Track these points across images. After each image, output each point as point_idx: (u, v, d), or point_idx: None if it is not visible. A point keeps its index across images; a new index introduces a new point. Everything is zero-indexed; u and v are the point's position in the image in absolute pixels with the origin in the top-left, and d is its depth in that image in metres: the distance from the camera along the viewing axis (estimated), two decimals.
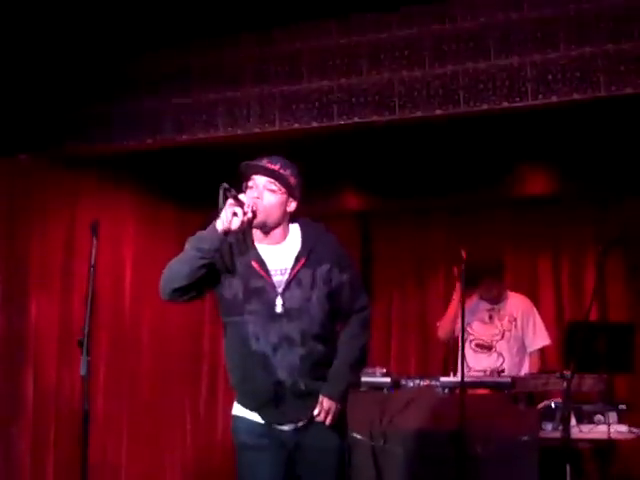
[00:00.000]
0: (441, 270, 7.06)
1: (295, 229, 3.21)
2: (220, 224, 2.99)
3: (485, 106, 4.43)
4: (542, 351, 5.49)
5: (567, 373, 4.27)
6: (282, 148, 5.67)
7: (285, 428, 3.14)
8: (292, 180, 3.15)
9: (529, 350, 5.44)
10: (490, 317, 5.48)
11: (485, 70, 4.44)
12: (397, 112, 4.59)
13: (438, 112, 4.52)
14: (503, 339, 5.42)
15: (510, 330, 5.40)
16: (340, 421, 3.18)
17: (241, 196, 3.01)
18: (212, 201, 7.46)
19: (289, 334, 3.07)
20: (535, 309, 5.55)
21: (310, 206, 6.83)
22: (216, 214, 3.01)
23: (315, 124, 4.76)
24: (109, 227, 5.86)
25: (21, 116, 5.31)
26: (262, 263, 3.11)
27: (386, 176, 6.51)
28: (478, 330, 5.46)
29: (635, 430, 4.61)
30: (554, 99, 4.30)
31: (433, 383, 4.84)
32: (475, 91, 4.43)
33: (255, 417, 3.17)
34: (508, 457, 4.40)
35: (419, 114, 4.56)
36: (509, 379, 4.75)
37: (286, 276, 3.10)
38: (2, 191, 5.43)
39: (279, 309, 3.08)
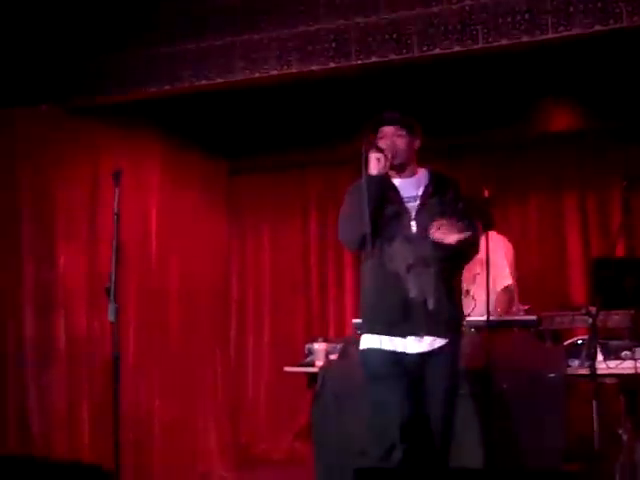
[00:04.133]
0: None
1: (423, 169, 3.70)
2: (371, 170, 3.44)
3: (504, 41, 4.35)
4: (509, 289, 5.39)
5: (593, 310, 4.24)
6: (301, 90, 5.70)
7: (412, 351, 3.43)
8: (412, 123, 3.66)
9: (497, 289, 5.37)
10: None
11: (503, 3, 4.34)
12: (415, 50, 4.52)
13: (457, 49, 4.46)
14: (475, 283, 5.35)
15: (480, 273, 5.29)
16: (458, 351, 3.54)
17: (380, 144, 3.51)
18: (236, 147, 7.49)
19: (423, 254, 3.43)
20: (503, 249, 5.41)
21: (332, 150, 6.88)
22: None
23: (332, 64, 4.73)
24: (134, 175, 5.87)
25: (42, 66, 5.29)
26: (397, 192, 3.57)
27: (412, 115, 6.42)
28: None
29: None
30: (575, 31, 4.21)
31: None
32: (494, 26, 4.34)
33: (384, 345, 3.45)
34: (535, 394, 4.39)
35: (437, 51, 4.50)
36: (535, 317, 4.72)
37: (417, 202, 3.54)
38: (26, 141, 5.44)
39: (414, 229, 3.48)
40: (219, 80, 4.96)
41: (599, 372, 4.34)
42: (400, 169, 3.61)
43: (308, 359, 5.29)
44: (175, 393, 6.39)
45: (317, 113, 6.17)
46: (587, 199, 6.90)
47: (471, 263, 5.27)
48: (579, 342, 4.70)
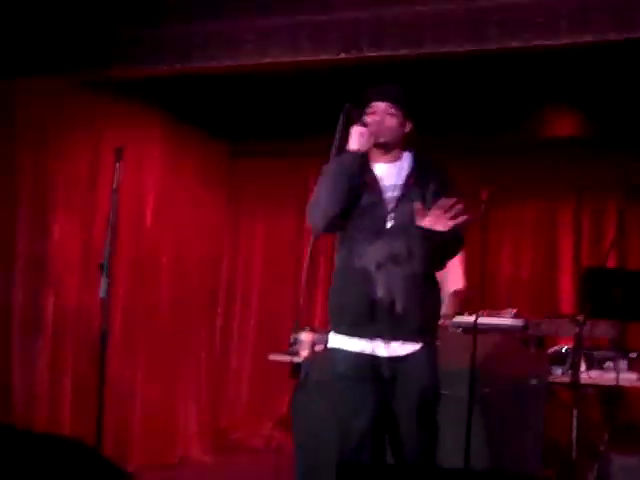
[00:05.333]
0: None
1: (408, 154, 3.37)
2: (352, 144, 3.18)
3: (515, 43, 4.34)
4: (461, 292, 5.40)
5: (580, 318, 4.27)
6: (310, 79, 5.70)
7: (381, 354, 3.18)
8: (407, 104, 3.35)
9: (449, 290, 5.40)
10: None
11: (518, 5, 4.33)
12: (426, 46, 4.51)
13: (468, 47, 4.42)
14: None
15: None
16: (434, 357, 3.24)
17: (364, 118, 3.22)
18: (237, 129, 7.47)
19: (395, 251, 3.15)
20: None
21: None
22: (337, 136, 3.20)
23: (343, 55, 4.70)
24: (135, 153, 5.88)
25: (53, 37, 5.26)
26: (375, 179, 3.25)
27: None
28: None
29: None
30: (589, 38, 4.20)
31: (447, 322, 4.85)
32: (508, 27, 4.33)
33: (353, 347, 3.21)
34: (517, 399, 4.43)
35: (448, 48, 4.47)
36: (522, 322, 4.75)
37: (397, 192, 3.22)
38: (30, 111, 5.44)
39: (389, 224, 3.18)
40: (228, 62, 4.93)
41: (581, 382, 4.38)
42: (384, 149, 3.28)
43: (293, 348, 5.32)
44: (159, 373, 6.42)
45: (322, 103, 6.18)
46: (583, 207, 6.92)
47: None
48: (563, 350, 4.75)
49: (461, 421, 3.98)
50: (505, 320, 4.86)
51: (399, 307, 3.14)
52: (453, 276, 5.27)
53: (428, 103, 6.21)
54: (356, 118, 3.21)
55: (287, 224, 7.59)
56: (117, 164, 4.10)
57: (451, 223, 3.02)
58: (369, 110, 3.30)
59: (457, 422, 4.04)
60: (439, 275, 3.36)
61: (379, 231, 3.18)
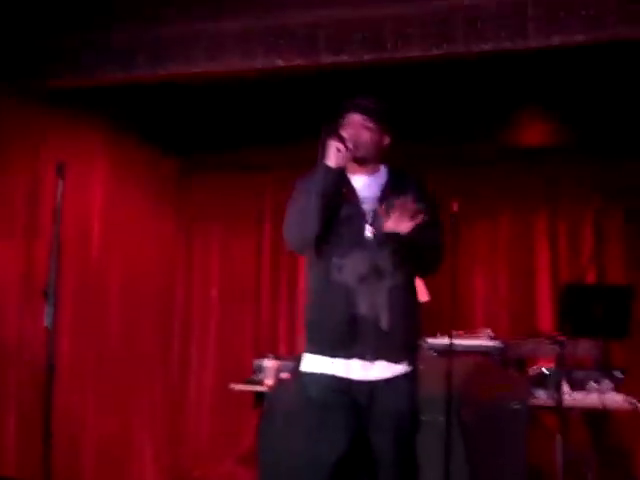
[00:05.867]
0: None
1: (382, 166, 3.41)
2: (329, 161, 3.17)
3: (485, 46, 4.34)
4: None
5: (561, 338, 4.27)
6: (265, 86, 5.65)
7: (358, 378, 3.12)
8: (385, 117, 3.38)
9: None
10: None
11: (484, 6, 4.34)
12: (390, 50, 4.49)
13: (435, 52, 4.42)
14: None
15: None
16: (416, 380, 3.20)
17: (342, 133, 3.22)
18: (188, 144, 7.40)
19: (378, 264, 3.15)
20: None
21: (295, 153, 6.86)
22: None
23: (300, 61, 4.66)
24: (77, 169, 5.73)
25: None
26: (353, 191, 3.28)
27: None
28: None
29: (632, 400, 4.62)
30: (556, 40, 4.22)
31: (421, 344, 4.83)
32: (474, 29, 4.34)
33: (327, 369, 3.15)
34: (497, 424, 4.41)
35: (415, 53, 4.47)
36: (500, 344, 4.75)
37: (375, 203, 3.24)
38: None
39: (369, 234, 3.19)
40: (177, 70, 4.87)
41: (565, 404, 4.37)
42: (360, 163, 3.30)
43: (256, 377, 5.26)
44: (111, 407, 6.28)
45: (279, 112, 6.14)
46: (558, 220, 6.94)
47: None
48: (545, 371, 4.74)
49: (439, 447, 3.95)
50: (482, 341, 4.86)
51: (384, 324, 3.11)
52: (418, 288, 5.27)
53: (392, 110, 6.26)
54: (332, 131, 3.20)
55: (244, 242, 7.54)
56: (60, 181, 4.01)
57: (410, 224, 3.04)
58: (345, 123, 3.31)
59: (435, 448, 4.01)
60: None
61: (359, 243, 3.18)
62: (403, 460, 3.15)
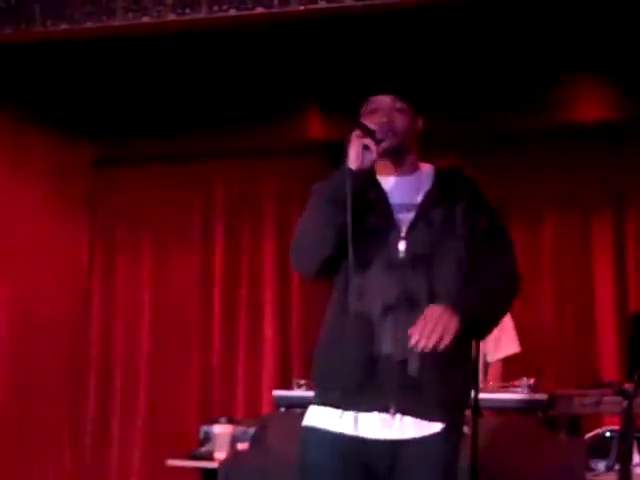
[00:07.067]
0: None
1: (428, 165, 3.49)
2: (350, 163, 3.19)
3: None
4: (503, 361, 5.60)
5: (628, 387, 4.34)
6: (211, 47, 5.69)
7: (375, 436, 3.18)
8: (414, 92, 3.47)
9: (488, 360, 5.57)
10: None
11: None
12: None
13: None
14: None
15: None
16: (457, 446, 3.26)
17: (369, 124, 3.25)
18: (108, 128, 7.43)
19: (411, 290, 3.21)
20: None
21: (249, 137, 6.93)
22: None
23: (261, 10, 4.77)
24: None
25: None
26: (383, 196, 3.35)
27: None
28: None
29: None
30: None
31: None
32: None
33: (333, 425, 3.23)
34: None
35: None
36: (544, 396, 4.81)
37: (413, 213, 3.30)
38: None
39: (402, 253, 3.25)
40: (87, 24, 4.95)
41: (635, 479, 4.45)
42: (395, 159, 3.39)
43: (204, 449, 5.31)
44: None
45: (224, 84, 6.23)
46: (625, 224, 7.02)
47: None
48: (607, 434, 4.82)
49: None
50: (519, 394, 4.92)
51: (413, 368, 3.18)
52: (505, 335, 5.44)
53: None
54: (355, 124, 3.24)
55: (186, 258, 7.58)
56: None
57: (435, 338, 3.05)
58: (369, 107, 3.39)
59: None
60: None
61: (389, 263, 3.25)
62: None
